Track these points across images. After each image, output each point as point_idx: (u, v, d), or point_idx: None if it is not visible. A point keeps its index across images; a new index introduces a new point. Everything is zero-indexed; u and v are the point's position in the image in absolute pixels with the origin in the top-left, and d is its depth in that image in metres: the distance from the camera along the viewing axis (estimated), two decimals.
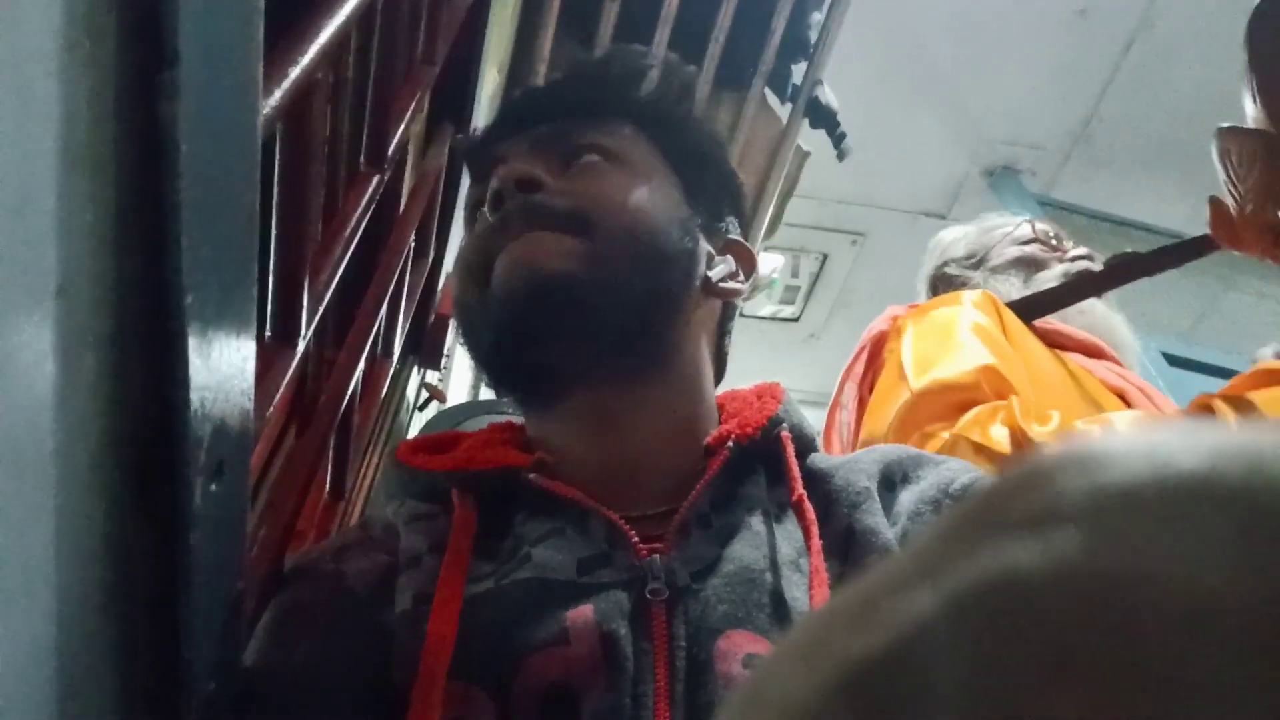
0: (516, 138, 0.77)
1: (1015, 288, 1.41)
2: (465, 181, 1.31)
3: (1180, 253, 1.28)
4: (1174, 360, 2.56)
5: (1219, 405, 0.97)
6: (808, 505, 0.64)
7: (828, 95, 2.12)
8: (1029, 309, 1.34)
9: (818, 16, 2.02)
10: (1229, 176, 1.04)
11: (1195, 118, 3.06)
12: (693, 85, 0.81)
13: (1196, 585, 0.14)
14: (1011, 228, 1.53)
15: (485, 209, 0.73)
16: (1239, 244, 1.09)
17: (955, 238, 1.59)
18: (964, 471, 0.67)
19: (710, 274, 0.75)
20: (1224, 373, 2.47)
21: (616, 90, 0.79)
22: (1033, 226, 1.51)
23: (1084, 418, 1.05)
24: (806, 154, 2.25)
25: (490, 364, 0.74)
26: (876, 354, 1.33)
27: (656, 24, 1.80)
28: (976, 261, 1.51)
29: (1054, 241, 1.49)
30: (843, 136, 2.15)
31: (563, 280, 0.66)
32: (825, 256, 3.70)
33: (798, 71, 2.08)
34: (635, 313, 0.69)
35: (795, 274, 3.76)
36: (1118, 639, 0.14)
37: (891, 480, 0.68)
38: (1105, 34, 2.95)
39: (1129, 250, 1.36)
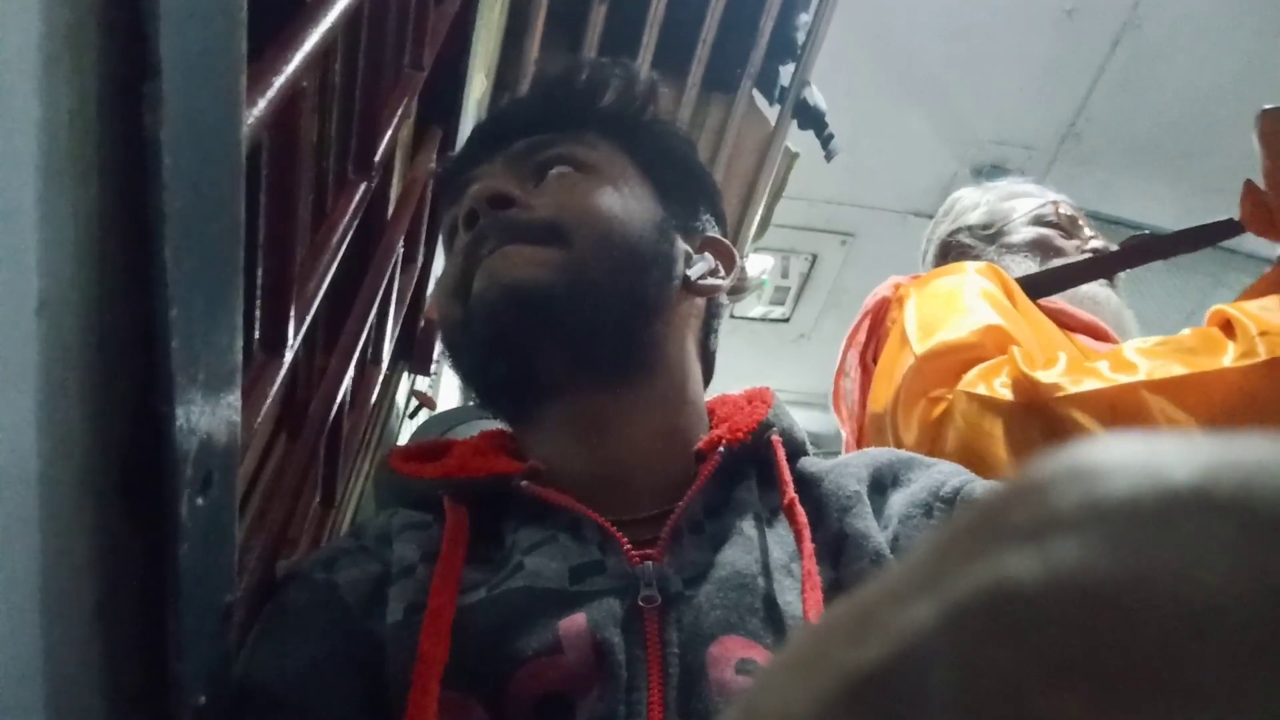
0: (489, 159, 0.78)
1: (1029, 271, 1.37)
2: None
3: (1203, 236, 1.23)
4: None
5: (1233, 314, 0.96)
6: (799, 509, 0.64)
7: (815, 96, 2.12)
8: (1037, 286, 1.30)
9: (805, 18, 2.03)
10: (1268, 160, 1.02)
11: (1182, 116, 3.08)
12: (655, 89, 0.82)
13: (1196, 588, 0.14)
14: (1034, 204, 1.47)
15: (460, 230, 0.74)
16: (1269, 230, 1.06)
17: (973, 203, 1.54)
18: (954, 474, 0.67)
19: (689, 272, 0.75)
20: None
21: (581, 101, 0.79)
22: (1056, 209, 1.45)
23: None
24: (795, 155, 2.25)
25: (476, 378, 0.75)
26: (879, 322, 1.31)
27: (643, 27, 1.80)
28: (992, 234, 1.46)
29: (1072, 228, 1.44)
30: (830, 137, 2.15)
31: (540, 290, 0.67)
32: (815, 257, 3.71)
33: (785, 73, 2.08)
34: (616, 317, 0.69)
35: (785, 275, 3.77)
36: (1117, 644, 0.14)
37: (882, 484, 0.69)
38: (1093, 33, 2.96)
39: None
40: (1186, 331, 0.99)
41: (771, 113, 2.10)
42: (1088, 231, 1.45)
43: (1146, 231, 1.34)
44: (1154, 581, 0.14)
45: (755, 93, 2.06)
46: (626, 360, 0.70)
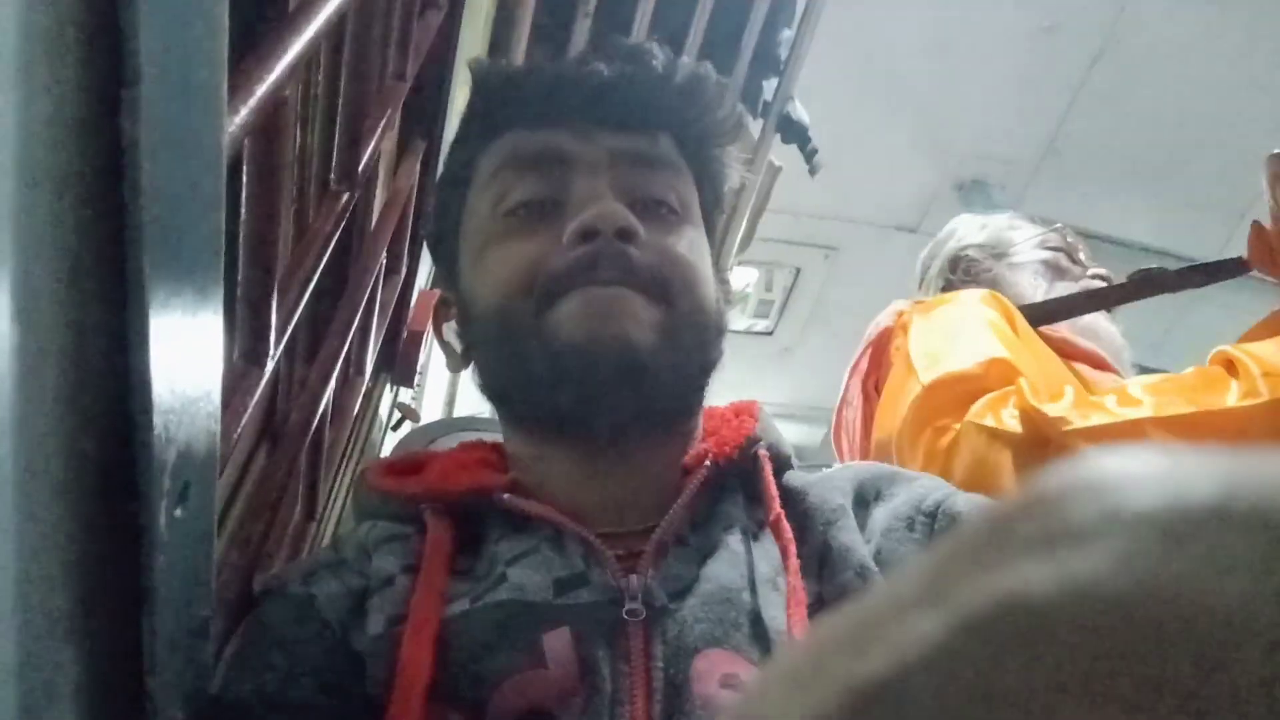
0: (586, 139, 0.72)
1: (1039, 289, 1.38)
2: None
3: (1210, 272, 1.26)
4: (1146, 370, 2.57)
5: (1236, 355, 0.97)
6: (785, 524, 0.64)
7: (799, 111, 2.13)
8: (1041, 314, 1.31)
9: (788, 33, 2.04)
10: (1274, 202, 1.04)
11: (1161, 133, 3.10)
12: (746, 126, 0.80)
13: (1215, 606, 0.14)
14: (1040, 232, 1.47)
15: (568, 235, 0.67)
16: (1274, 269, 1.08)
17: (975, 226, 1.53)
18: (936, 488, 0.67)
19: None
20: None
21: (686, 111, 0.75)
22: (1064, 236, 1.46)
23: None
24: (778, 169, 2.26)
25: (515, 389, 0.71)
26: (881, 350, 1.32)
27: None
28: (999, 253, 1.46)
29: (1077, 256, 1.45)
30: (814, 152, 2.16)
31: (645, 354, 0.64)
32: (798, 270, 3.71)
33: (769, 87, 2.09)
34: (690, 384, 0.70)
35: (769, 288, 3.77)
36: (1135, 660, 0.14)
37: (865, 498, 0.69)
38: (1072, 50, 2.99)
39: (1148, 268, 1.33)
40: (1190, 370, 1.01)
41: (755, 127, 2.11)
42: (1086, 259, 1.47)
43: (1155, 267, 1.35)
44: (1172, 595, 0.14)
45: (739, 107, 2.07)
46: (678, 417, 0.71)
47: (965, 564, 0.17)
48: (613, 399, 0.65)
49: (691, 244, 0.71)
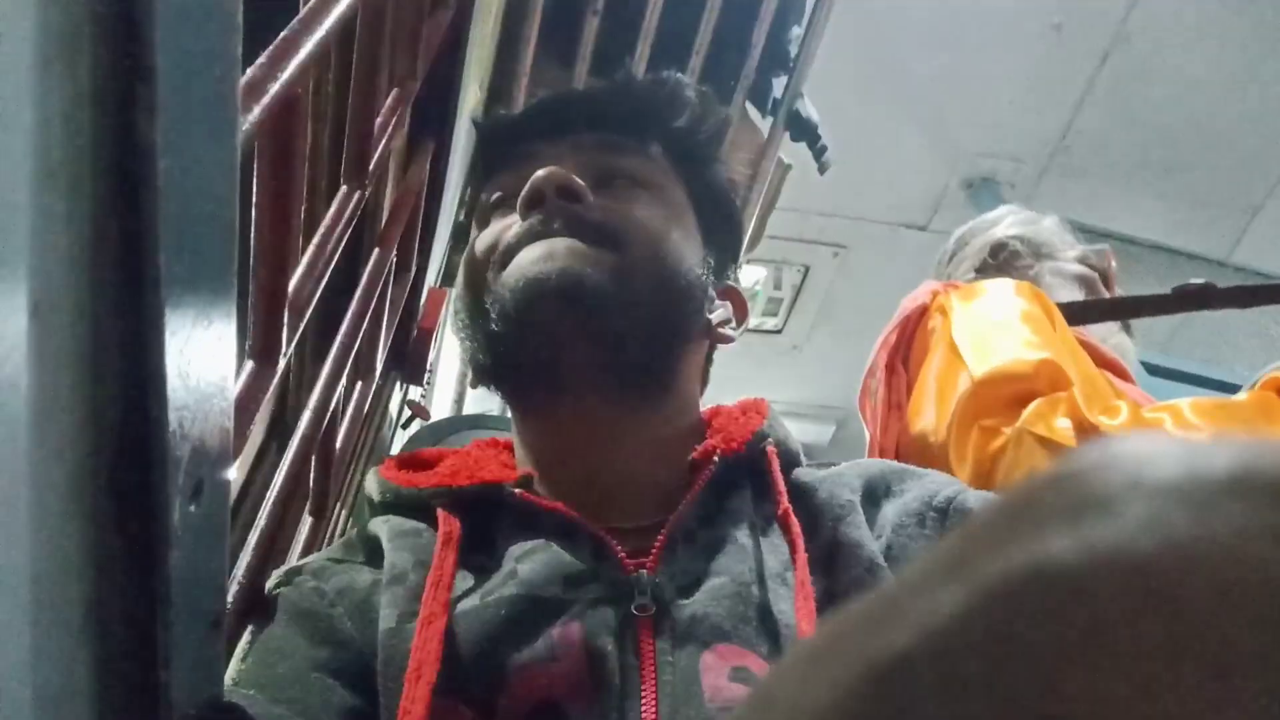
0: (554, 141, 0.77)
1: (1073, 299, 1.38)
2: (452, 186, 1.31)
3: (1256, 295, 1.27)
4: (1154, 370, 2.57)
5: None
6: (793, 519, 0.64)
7: (808, 108, 2.13)
8: (1078, 314, 1.31)
9: (798, 30, 2.03)
10: None
11: (1171, 130, 3.09)
12: (727, 126, 0.84)
13: (1242, 569, 0.14)
14: (1088, 248, 1.48)
15: (517, 204, 0.73)
16: None
17: (1023, 219, 1.53)
18: (948, 484, 0.67)
19: (711, 317, 0.76)
20: (1202, 381, 2.49)
21: (656, 115, 0.80)
22: (1108, 260, 1.47)
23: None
24: (788, 167, 2.25)
25: (492, 354, 0.73)
26: (913, 324, 1.32)
27: (637, 39, 1.81)
28: (1044, 253, 1.46)
29: (1111, 284, 1.45)
30: (824, 149, 2.16)
31: (591, 286, 0.67)
32: (807, 269, 3.71)
33: (778, 85, 2.08)
34: (649, 332, 0.70)
35: (778, 286, 3.77)
36: (1157, 621, 0.14)
37: (875, 494, 0.69)
38: (1081, 48, 2.98)
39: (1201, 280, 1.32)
40: (1243, 396, 1.00)
41: (764, 124, 2.11)
42: (1115, 289, 1.47)
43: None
44: (1195, 560, 0.14)
45: (748, 104, 2.06)
46: (646, 376, 0.71)
47: (989, 539, 0.17)
48: (563, 327, 0.67)
49: (656, 211, 0.74)
